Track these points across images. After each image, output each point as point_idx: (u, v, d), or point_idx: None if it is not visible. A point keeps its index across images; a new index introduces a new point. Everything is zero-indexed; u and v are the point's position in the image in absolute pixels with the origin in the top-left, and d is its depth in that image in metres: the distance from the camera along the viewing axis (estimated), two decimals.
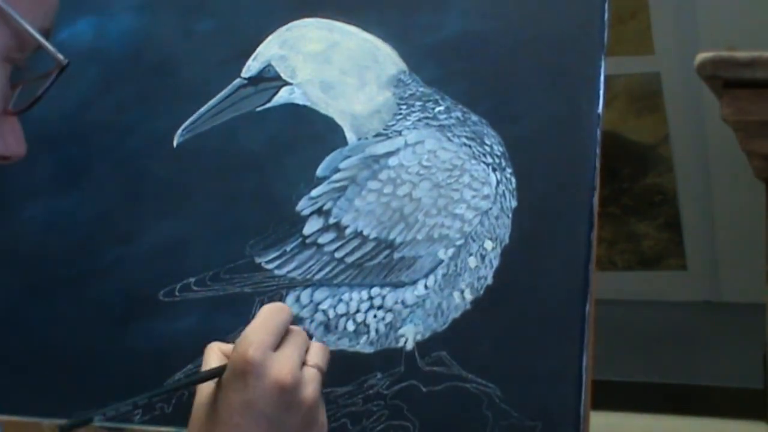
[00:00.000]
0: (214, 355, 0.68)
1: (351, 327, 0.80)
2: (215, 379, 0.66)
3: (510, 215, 0.79)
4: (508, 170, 0.80)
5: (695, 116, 1.51)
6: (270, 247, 0.83)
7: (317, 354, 0.68)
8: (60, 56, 0.65)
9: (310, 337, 0.69)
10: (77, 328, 0.86)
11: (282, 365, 0.65)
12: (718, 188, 1.55)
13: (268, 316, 0.67)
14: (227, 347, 0.68)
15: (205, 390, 0.66)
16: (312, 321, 0.81)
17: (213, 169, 0.86)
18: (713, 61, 1.02)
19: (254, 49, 0.87)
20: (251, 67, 0.87)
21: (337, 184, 0.82)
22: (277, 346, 0.66)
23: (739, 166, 1.24)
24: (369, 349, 0.80)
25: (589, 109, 0.80)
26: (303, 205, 0.83)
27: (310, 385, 0.66)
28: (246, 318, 0.81)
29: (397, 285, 0.80)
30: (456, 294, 0.79)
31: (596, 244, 0.78)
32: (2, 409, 0.86)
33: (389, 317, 0.79)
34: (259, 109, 0.86)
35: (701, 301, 1.64)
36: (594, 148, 0.79)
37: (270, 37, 0.87)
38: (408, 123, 0.83)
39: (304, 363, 0.67)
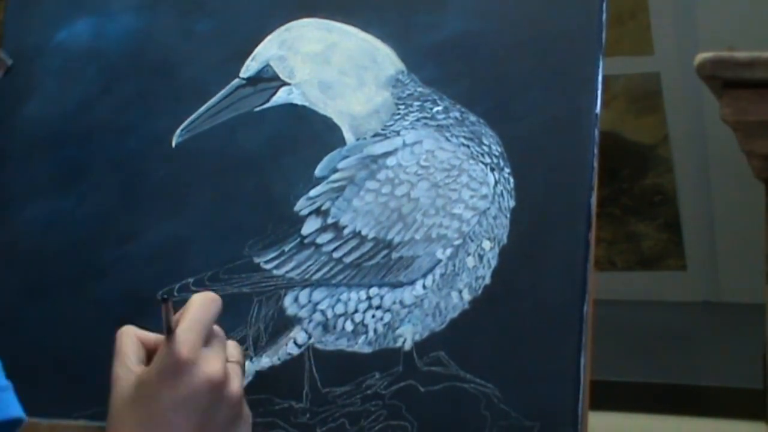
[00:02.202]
0: (129, 340, 0.70)
1: (349, 327, 0.80)
2: (134, 372, 0.67)
3: (508, 215, 0.79)
4: (507, 170, 0.80)
5: (695, 116, 1.51)
6: (268, 247, 0.83)
7: (236, 350, 0.72)
8: (5, 56, 0.66)
9: None
10: (76, 328, 0.86)
11: (212, 363, 0.67)
12: (717, 188, 1.55)
13: (201, 311, 0.69)
14: (145, 334, 0.70)
15: (124, 382, 0.68)
16: (310, 321, 0.81)
17: (211, 169, 0.86)
18: (713, 61, 1.02)
19: (253, 50, 0.87)
20: (250, 67, 0.87)
21: (336, 184, 0.82)
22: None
23: (738, 166, 1.24)
24: (367, 349, 0.80)
25: (587, 109, 0.80)
26: (301, 205, 0.83)
27: (236, 379, 0.69)
28: (245, 318, 0.82)
29: (396, 285, 0.80)
30: (454, 294, 0.79)
31: (596, 245, 0.78)
32: None
33: (387, 317, 0.80)
34: (257, 109, 0.86)
35: (701, 301, 1.64)
36: (592, 148, 0.79)
37: (268, 38, 0.87)
38: (406, 123, 0.83)
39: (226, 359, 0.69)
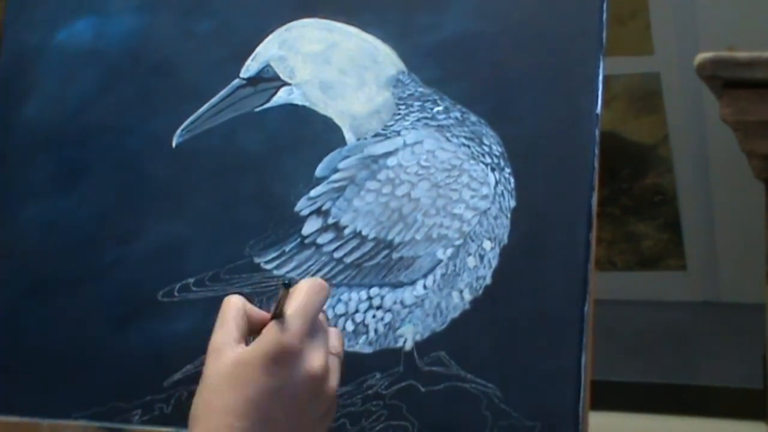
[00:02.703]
0: (236, 311, 0.66)
1: (350, 327, 0.80)
2: (239, 347, 0.64)
3: (509, 215, 0.79)
4: (507, 170, 0.80)
5: (695, 116, 1.51)
6: (269, 247, 0.83)
7: (337, 340, 0.69)
8: None
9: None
10: (76, 328, 0.86)
11: (315, 356, 0.65)
12: (717, 188, 1.55)
13: (309, 300, 0.66)
14: (252, 309, 0.67)
15: (222, 357, 0.64)
16: None
17: (212, 170, 0.86)
18: (713, 61, 1.02)
19: (253, 50, 0.87)
20: (250, 67, 0.87)
21: (336, 185, 0.82)
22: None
23: (738, 166, 1.24)
24: (368, 349, 0.80)
25: (588, 109, 0.80)
26: (302, 206, 0.83)
27: (334, 374, 0.67)
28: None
29: (396, 285, 0.80)
30: (455, 294, 0.79)
31: (596, 245, 0.78)
32: (2, 409, 0.86)
33: (388, 317, 0.80)
34: (258, 109, 0.86)
35: (701, 302, 1.64)
36: (593, 148, 0.79)
37: (269, 38, 0.87)
38: (407, 123, 0.83)
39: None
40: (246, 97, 0.87)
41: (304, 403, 0.64)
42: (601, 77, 0.80)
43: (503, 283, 0.78)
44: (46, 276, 0.88)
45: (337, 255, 0.81)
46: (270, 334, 0.64)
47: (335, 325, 0.80)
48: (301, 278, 0.75)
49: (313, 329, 0.66)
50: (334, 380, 0.66)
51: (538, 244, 0.78)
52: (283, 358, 0.63)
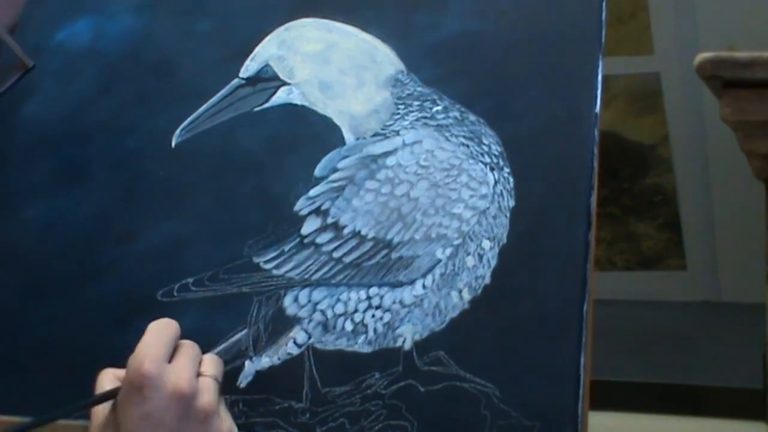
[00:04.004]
0: (107, 379, 0.69)
1: (349, 327, 0.80)
2: (110, 402, 0.67)
3: (508, 215, 0.79)
4: (506, 170, 0.80)
5: (695, 116, 1.51)
6: (268, 246, 0.83)
7: (212, 365, 0.70)
8: (27, 59, 0.66)
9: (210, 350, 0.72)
10: (76, 328, 0.86)
11: (178, 375, 0.66)
12: (717, 188, 1.55)
13: (157, 332, 0.69)
14: (121, 371, 0.69)
15: (100, 413, 0.67)
16: (310, 321, 0.81)
17: (211, 169, 0.86)
18: (713, 61, 1.02)
19: (252, 50, 0.87)
20: (249, 67, 0.87)
21: (335, 184, 0.82)
22: (170, 359, 0.68)
23: (738, 166, 1.24)
24: (367, 349, 0.80)
25: (587, 108, 0.80)
26: (301, 205, 0.83)
27: (207, 393, 0.67)
28: (244, 318, 0.82)
29: (395, 285, 0.80)
30: (454, 294, 0.79)
31: (596, 245, 0.78)
32: (2, 408, 0.86)
33: (387, 317, 0.80)
34: (257, 109, 0.86)
35: (701, 301, 1.64)
36: (592, 147, 0.79)
37: (268, 37, 0.87)
38: (406, 123, 0.83)
39: (199, 374, 0.68)
40: (245, 96, 0.87)
41: (176, 426, 0.65)
42: (600, 77, 0.80)
43: (502, 282, 0.78)
44: (46, 276, 0.88)
45: (336, 254, 0.81)
46: (127, 370, 0.66)
47: (334, 325, 0.80)
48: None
49: (176, 357, 0.68)
50: (206, 398, 0.67)
51: (537, 244, 0.78)
52: (142, 384, 0.65)
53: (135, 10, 0.92)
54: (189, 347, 0.70)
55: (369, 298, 0.80)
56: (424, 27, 0.84)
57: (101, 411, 0.68)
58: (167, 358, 0.68)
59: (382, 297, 0.80)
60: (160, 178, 0.87)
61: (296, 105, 0.86)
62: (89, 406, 0.68)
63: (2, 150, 0.93)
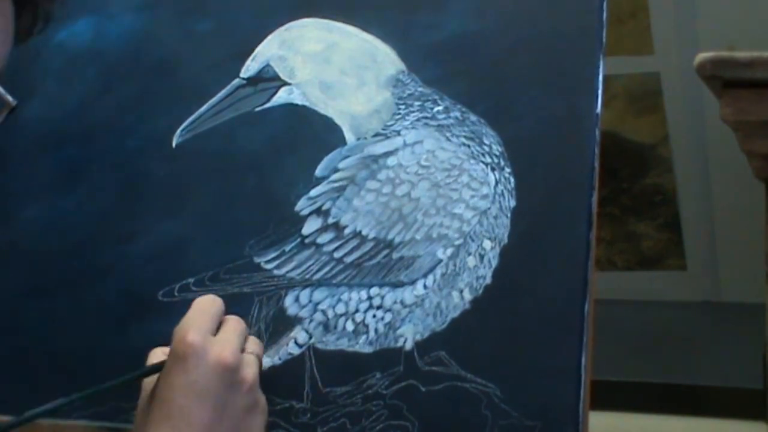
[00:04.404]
0: (156, 356, 0.70)
1: (350, 327, 0.80)
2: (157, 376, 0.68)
3: (509, 215, 0.79)
4: (507, 170, 0.80)
5: (695, 116, 1.51)
6: (269, 247, 0.83)
7: (254, 344, 0.72)
8: (10, 98, 0.67)
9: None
10: (76, 328, 0.86)
11: (222, 347, 0.67)
12: (717, 188, 1.55)
13: (203, 306, 0.70)
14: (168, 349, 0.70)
15: (148, 386, 0.68)
16: (311, 321, 0.81)
17: (212, 169, 0.86)
18: (713, 61, 1.02)
19: (253, 50, 0.87)
20: (250, 67, 0.87)
21: (336, 184, 0.82)
22: (215, 333, 0.69)
23: (739, 166, 1.24)
24: (368, 349, 0.80)
25: (587, 108, 0.80)
26: (302, 205, 0.83)
27: (250, 367, 0.69)
28: (246, 318, 0.82)
29: (396, 285, 0.80)
30: (455, 294, 0.79)
31: (596, 244, 0.78)
32: (2, 409, 0.86)
33: (388, 317, 0.80)
34: (258, 109, 0.86)
35: (701, 301, 1.64)
36: (593, 147, 0.79)
37: (269, 38, 0.87)
38: (407, 123, 0.83)
39: (243, 350, 0.70)
40: (246, 96, 0.87)
41: (220, 396, 0.66)
42: (600, 77, 0.80)
43: (503, 282, 0.78)
44: (46, 276, 0.88)
45: (337, 255, 0.81)
46: (173, 340, 0.67)
47: (335, 325, 0.80)
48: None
49: (222, 330, 0.69)
50: (249, 372, 0.68)
51: (538, 244, 0.78)
52: (186, 353, 0.66)
53: (135, 10, 0.92)
54: (235, 321, 0.71)
55: (370, 298, 0.80)
56: (424, 27, 0.84)
57: (149, 384, 0.69)
58: (212, 330, 0.68)
59: (383, 297, 0.80)
60: (160, 178, 0.87)
61: (297, 105, 0.86)
62: (138, 378, 0.69)
63: (2, 150, 0.93)
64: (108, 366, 0.84)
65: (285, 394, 0.80)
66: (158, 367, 0.69)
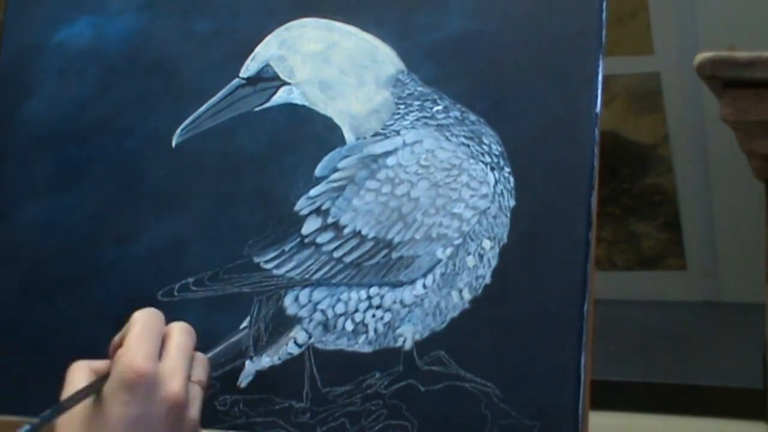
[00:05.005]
0: (82, 373, 0.63)
1: (349, 326, 0.80)
2: (86, 400, 0.61)
3: (508, 214, 0.79)
4: (507, 169, 0.80)
5: (695, 116, 1.51)
6: (269, 246, 0.83)
7: (202, 368, 0.65)
8: None
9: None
10: (76, 328, 0.86)
11: (174, 379, 0.61)
12: (718, 188, 1.55)
13: (146, 325, 0.63)
14: (98, 363, 0.64)
15: (74, 412, 0.61)
16: (310, 320, 0.81)
17: (212, 169, 0.86)
18: (713, 61, 1.02)
19: (253, 49, 0.87)
20: (249, 67, 0.87)
21: (336, 184, 0.82)
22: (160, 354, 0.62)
23: (739, 166, 1.24)
24: (367, 349, 0.80)
25: (587, 108, 0.80)
26: (301, 205, 0.83)
27: (195, 403, 0.63)
28: (245, 318, 0.82)
29: (396, 284, 0.80)
30: (454, 293, 0.79)
31: (596, 244, 0.78)
32: (1, 409, 0.86)
33: (388, 317, 0.80)
34: (257, 109, 0.86)
35: (701, 301, 1.64)
36: (592, 147, 0.79)
37: (268, 37, 0.87)
38: (406, 122, 0.83)
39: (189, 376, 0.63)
40: (245, 96, 0.87)
41: (164, 431, 0.60)
42: (600, 77, 0.80)
43: (503, 282, 0.78)
44: (46, 276, 0.88)
45: (336, 254, 0.81)
46: (116, 363, 0.61)
47: (335, 325, 0.80)
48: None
49: (168, 352, 0.63)
50: (195, 410, 0.62)
51: (537, 244, 0.78)
52: (135, 383, 0.59)
53: (135, 10, 0.92)
54: (181, 336, 0.64)
55: (369, 297, 0.80)
56: (424, 27, 0.84)
57: (72, 411, 0.61)
58: (158, 354, 0.62)
59: (382, 297, 0.80)
60: (160, 178, 0.87)
61: (297, 105, 0.86)
62: (71, 405, 0.61)
63: (2, 150, 0.93)
64: None
65: (284, 394, 0.80)
66: (98, 388, 0.61)
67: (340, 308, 0.80)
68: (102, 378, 0.62)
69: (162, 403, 0.60)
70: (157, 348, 0.63)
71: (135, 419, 0.59)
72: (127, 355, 0.61)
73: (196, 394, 0.63)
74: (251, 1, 0.89)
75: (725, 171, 1.52)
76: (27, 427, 0.59)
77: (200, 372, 0.65)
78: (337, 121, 0.84)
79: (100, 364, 0.64)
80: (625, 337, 1.51)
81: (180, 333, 0.65)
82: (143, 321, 0.64)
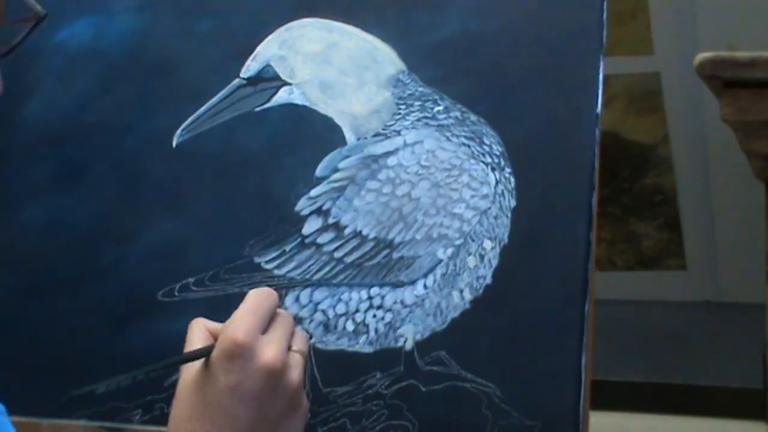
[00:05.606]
0: (199, 332, 0.68)
1: (350, 327, 0.80)
2: (201, 359, 0.66)
3: (509, 215, 0.79)
4: (507, 170, 0.80)
5: (695, 116, 1.51)
6: (269, 246, 0.83)
7: (301, 340, 0.70)
8: (38, 7, 0.65)
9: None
10: (76, 328, 0.86)
11: (270, 349, 0.65)
12: (717, 188, 1.55)
13: (256, 301, 0.68)
14: (213, 325, 0.69)
15: (190, 369, 0.67)
16: (311, 321, 0.81)
17: (212, 169, 0.86)
18: (713, 61, 1.02)
19: (253, 50, 0.87)
20: (250, 67, 0.87)
21: (336, 184, 0.82)
22: (265, 329, 0.67)
23: (739, 166, 1.24)
24: (368, 349, 0.80)
25: (587, 108, 0.80)
26: (302, 205, 0.83)
27: (295, 369, 0.67)
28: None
29: (396, 285, 0.80)
30: (455, 293, 0.79)
31: (596, 244, 0.78)
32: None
33: (388, 317, 0.80)
34: (258, 109, 0.86)
35: (701, 301, 1.64)
36: (593, 147, 0.79)
37: (269, 37, 0.87)
38: (407, 123, 0.83)
39: (289, 347, 0.68)
40: (246, 96, 0.87)
41: (264, 398, 0.65)
42: (601, 77, 0.80)
43: (503, 282, 0.78)
44: (46, 276, 0.88)
45: (337, 255, 0.81)
46: (222, 335, 0.66)
47: (336, 325, 0.80)
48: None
49: (271, 327, 0.67)
50: (295, 375, 0.67)
51: (538, 244, 0.78)
52: (235, 354, 0.64)
53: (135, 10, 0.92)
54: (284, 319, 0.69)
55: (370, 298, 0.80)
56: (424, 27, 0.84)
57: (190, 367, 0.67)
58: (262, 329, 0.67)
59: (383, 297, 0.80)
60: (160, 178, 0.87)
61: (297, 105, 0.86)
62: (187, 361, 0.67)
63: (2, 150, 0.93)
64: (108, 366, 0.85)
65: None
66: (207, 352, 0.67)
67: (341, 308, 0.80)
68: (212, 345, 0.67)
69: (261, 368, 0.64)
70: (261, 323, 0.67)
71: (236, 385, 0.64)
72: (231, 326, 0.65)
73: (296, 362, 0.68)
74: (251, 1, 0.89)
75: (725, 171, 1.52)
76: (144, 370, 0.66)
77: (300, 342, 0.70)
78: (337, 121, 0.84)
79: (215, 326, 0.69)
80: (625, 337, 1.51)
81: (284, 314, 0.70)
82: (254, 297, 0.69)
